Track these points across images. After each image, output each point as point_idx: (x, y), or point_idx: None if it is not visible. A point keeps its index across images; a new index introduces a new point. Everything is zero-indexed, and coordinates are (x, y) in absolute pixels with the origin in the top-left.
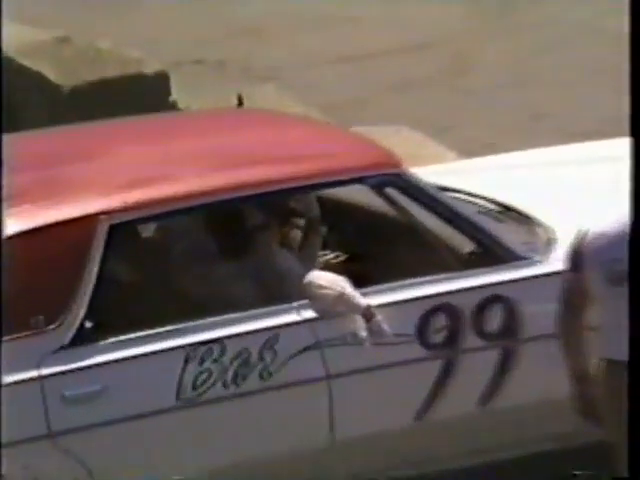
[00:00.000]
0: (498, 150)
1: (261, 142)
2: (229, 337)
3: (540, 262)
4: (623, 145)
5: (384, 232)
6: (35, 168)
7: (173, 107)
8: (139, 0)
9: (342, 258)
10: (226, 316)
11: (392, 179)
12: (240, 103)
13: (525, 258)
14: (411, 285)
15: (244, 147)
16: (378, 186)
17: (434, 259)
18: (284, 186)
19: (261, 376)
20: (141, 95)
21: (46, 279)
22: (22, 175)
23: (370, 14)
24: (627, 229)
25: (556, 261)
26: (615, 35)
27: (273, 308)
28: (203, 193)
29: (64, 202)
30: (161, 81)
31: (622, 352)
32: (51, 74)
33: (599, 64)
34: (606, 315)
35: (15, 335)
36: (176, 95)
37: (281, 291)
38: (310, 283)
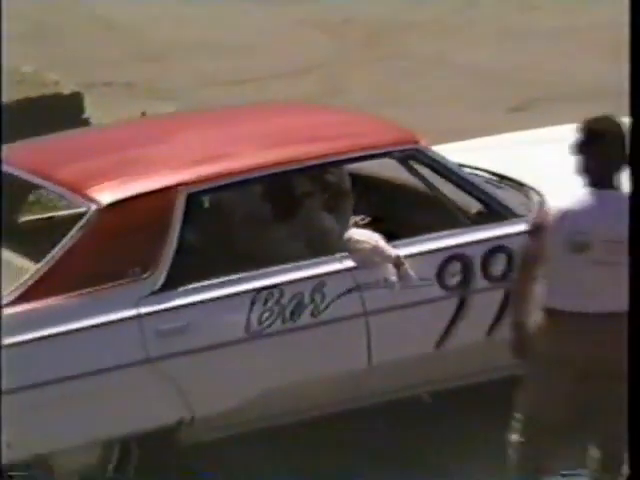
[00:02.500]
0: None
1: (303, 125)
2: (286, 283)
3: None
4: None
5: (405, 198)
6: (115, 151)
7: (86, 123)
8: (59, 29)
9: (367, 220)
10: (283, 266)
11: (414, 153)
12: None
13: (522, 215)
14: (431, 239)
15: (290, 129)
16: (403, 159)
17: (449, 218)
18: (324, 160)
19: (312, 314)
20: (59, 112)
21: (140, 240)
22: (106, 157)
23: (259, 41)
24: (586, 206)
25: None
26: (464, 68)
27: (321, 259)
28: (260, 167)
29: (150, 176)
30: (76, 100)
31: (562, 301)
32: None
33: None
34: (561, 274)
35: (118, 282)
36: (89, 113)
37: (326, 245)
38: (350, 238)
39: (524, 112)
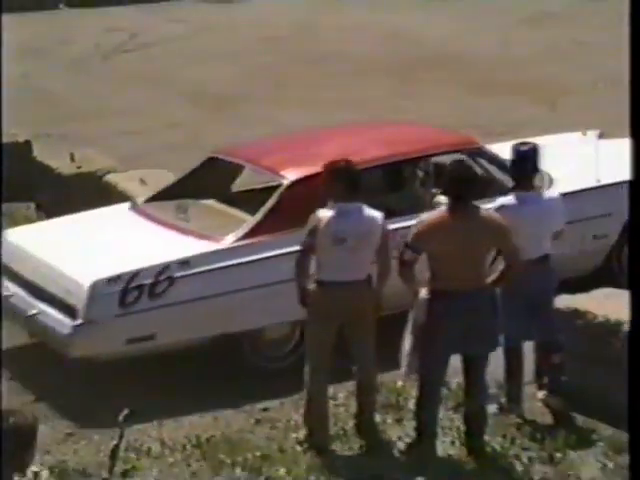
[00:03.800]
0: None
1: (404, 132)
2: (400, 229)
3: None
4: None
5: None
6: (296, 149)
7: (35, 161)
8: (15, 98)
9: (440, 191)
10: (397, 218)
11: (476, 150)
12: (72, 159)
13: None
14: (485, 202)
15: (396, 135)
16: (470, 154)
17: (495, 189)
18: (420, 154)
19: None
20: (17, 154)
21: (310, 201)
22: (290, 151)
23: (145, 107)
24: (341, 215)
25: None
26: (278, 124)
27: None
28: (380, 158)
29: (316, 164)
30: (28, 146)
31: (327, 275)
32: None
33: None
34: (327, 258)
35: (298, 227)
36: (36, 154)
37: (423, 205)
38: (437, 201)
39: None
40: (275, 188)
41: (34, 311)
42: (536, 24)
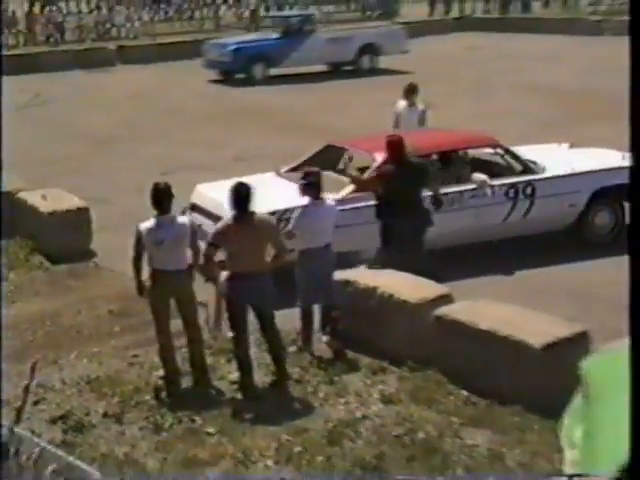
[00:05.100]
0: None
1: (449, 135)
2: (449, 192)
3: (543, 174)
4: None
5: (494, 166)
6: (380, 141)
7: None
8: None
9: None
10: (446, 188)
11: (502, 147)
12: None
13: (536, 172)
14: (505, 178)
15: (445, 136)
16: (497, 149)
17: (510, 171)
18: (461, 147)
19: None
20: None
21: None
22: (376, 142)
23: (40, 144)
24: (159, 224)
25: (546, 173)
26: (148, 157)
27: (465, 185)
28: (435, 147)
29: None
30: None
31: (155, 265)
32: None
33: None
34: (152, 255)
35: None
36: None
37: (464, 180)
38: (475, 178)
39: (171, 174)
40: (369, 164)
41: None
42: (312, 88)
